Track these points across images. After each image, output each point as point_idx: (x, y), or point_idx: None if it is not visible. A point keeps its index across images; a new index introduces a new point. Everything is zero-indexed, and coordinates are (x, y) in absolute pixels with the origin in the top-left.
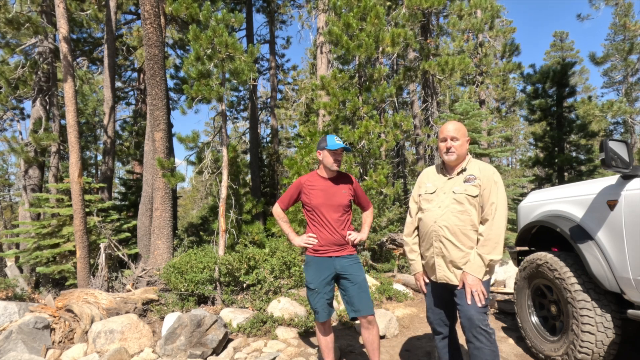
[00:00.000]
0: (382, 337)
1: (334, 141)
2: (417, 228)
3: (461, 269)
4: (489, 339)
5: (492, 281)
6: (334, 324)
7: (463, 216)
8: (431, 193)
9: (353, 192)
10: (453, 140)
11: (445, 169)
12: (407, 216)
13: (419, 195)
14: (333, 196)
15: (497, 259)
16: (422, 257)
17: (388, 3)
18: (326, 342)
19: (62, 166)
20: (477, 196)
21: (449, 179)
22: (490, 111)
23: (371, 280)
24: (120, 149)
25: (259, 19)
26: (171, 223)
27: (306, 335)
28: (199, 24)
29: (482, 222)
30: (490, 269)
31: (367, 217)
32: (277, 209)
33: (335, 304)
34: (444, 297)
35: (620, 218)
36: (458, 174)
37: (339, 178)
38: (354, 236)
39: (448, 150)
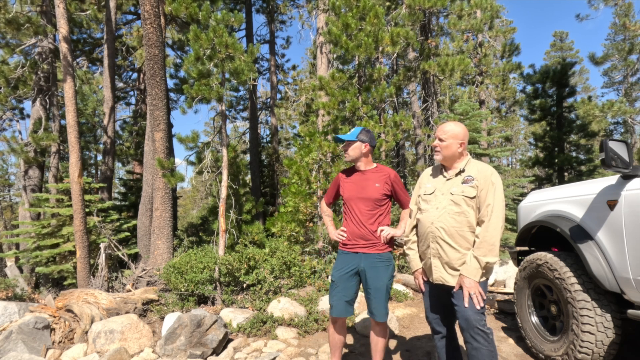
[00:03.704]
0: None
1: (346, 134)
2: (416, 227)
3: (458, 270)
4: (487, 339)
5: (492, 281)
6: None
7: (460, 217)
8: (429, 194)
9: (390, 187)
10: (440, 140)
11: (444, 169)
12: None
13: (419, 195)
14: (364, 189)
15: (493, 261)
16: (421, 258)
17: (387, 3)
18: (335, 340)
19: (62, 166)
20: (474, 197)
21: (448, 179)
22: (490, 111)
23: None
24: (120, 149)
25: (258, 19)
26: (171, 223)
27: (306, 335)
28: (199, 24)
29: (478, 224)
30: (487, 270)
31: (406, 214)
32: (322, 204)
33: None
34: (441, 298)
35: (620, 218)
36: (456, 174)
37: (375, 171)
38: (386, 231)
39: (434, 149)
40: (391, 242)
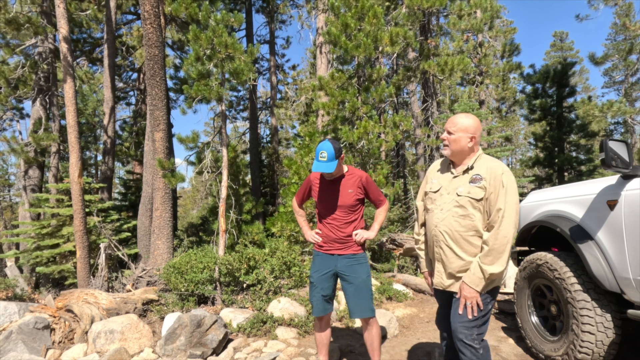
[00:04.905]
0: (382, 337)
1: (318, 159)
2: (424, 225)
3: (459, 278)
4: (475, 353)
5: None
6: (335, 324)
7: (465, 221)
8: (435, 191)
9: (363, 190)
10: (449, 133)
11: (452, 165)
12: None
13: (425, 192)
14: (337, 195)
15: (498, 271)
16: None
17: (387, 3)
18: (320, 337)
19: (62, 166)
20: (481, 199)
21: (455, 177)
22: (490, 111)
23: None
24: (120, 149)
25: (258, 19)
26: (171, 223)
27: (306, 335)
28: (199, 24)
29: (487, 229)
30: (492, 281)
31: (379, 214)
32: (293, 203)
33: (335, 303)
34: (446, 302)
35: (620, 218)
36: (464, 172)
37: (348, 176)
38: (360, 235)
39: (442, 142)
40: (364, 244)
